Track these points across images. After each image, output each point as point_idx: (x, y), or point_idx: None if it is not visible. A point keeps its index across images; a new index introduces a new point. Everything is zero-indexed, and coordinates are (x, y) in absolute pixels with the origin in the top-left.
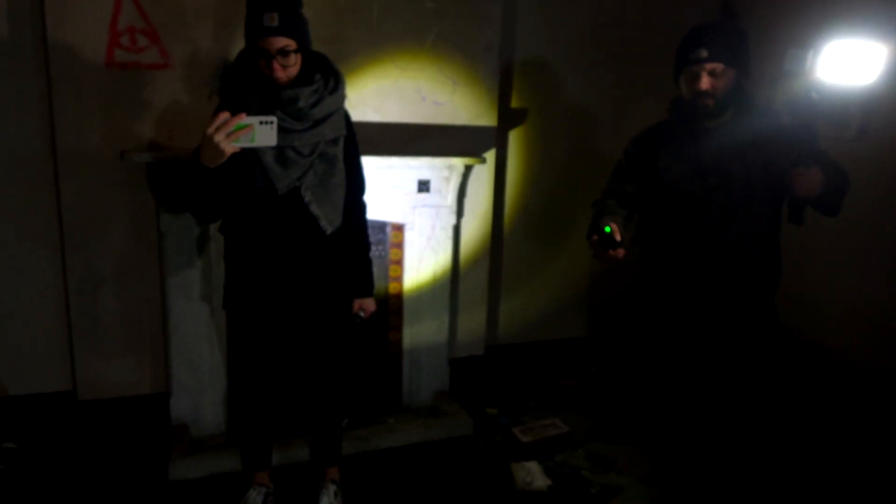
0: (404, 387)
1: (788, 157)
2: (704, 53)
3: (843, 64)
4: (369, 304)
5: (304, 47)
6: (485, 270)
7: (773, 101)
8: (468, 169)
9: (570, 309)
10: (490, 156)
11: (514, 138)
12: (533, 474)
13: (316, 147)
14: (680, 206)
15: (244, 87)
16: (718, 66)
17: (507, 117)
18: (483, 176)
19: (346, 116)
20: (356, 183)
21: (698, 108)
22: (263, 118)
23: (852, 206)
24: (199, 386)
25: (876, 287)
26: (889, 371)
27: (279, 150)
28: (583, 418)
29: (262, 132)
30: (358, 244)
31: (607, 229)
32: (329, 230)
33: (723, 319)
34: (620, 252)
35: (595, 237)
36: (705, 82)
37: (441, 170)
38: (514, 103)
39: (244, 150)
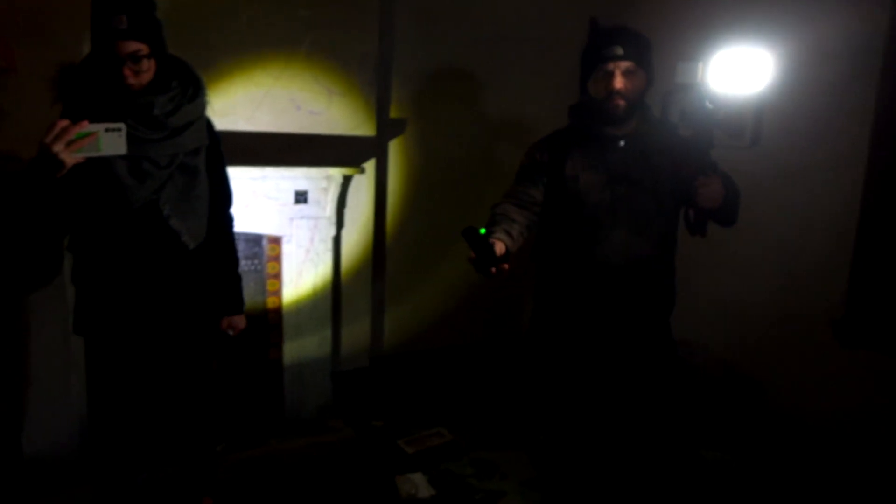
0: (286, 405)
1: (689, 167)
2: (620, 51)
3: (734, 72)
4: (239, 322)
5: (157, 52)
6: (368, 281)
7: (669, 113)
8: (347, 179)
9: (455, 317)
10: (370, 166)
11: (395, 148)
12: (417, 485)
13: (174, 158)
14: (589, 216)
15: (90, 92)
16: (632, 66)
17: (387, 127)
18: (363, 186)
19: (209, 125)
20: (221, 195)
21: (608, 110)
22: (110, 125)
23: (746, 211)
24: (55, 417)
25: (761, 288)
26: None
27: (133, 162)
28: (468, 426)
29: (108, 140)
30: (225, 259)
31: (482, 231)
32: (192, 245)
33: (629, 332)
34: (505, 267)
35: (472, 255)
36: (619, 81)
37: (319, 180)
38: (394, 113)
39: (93, 162)
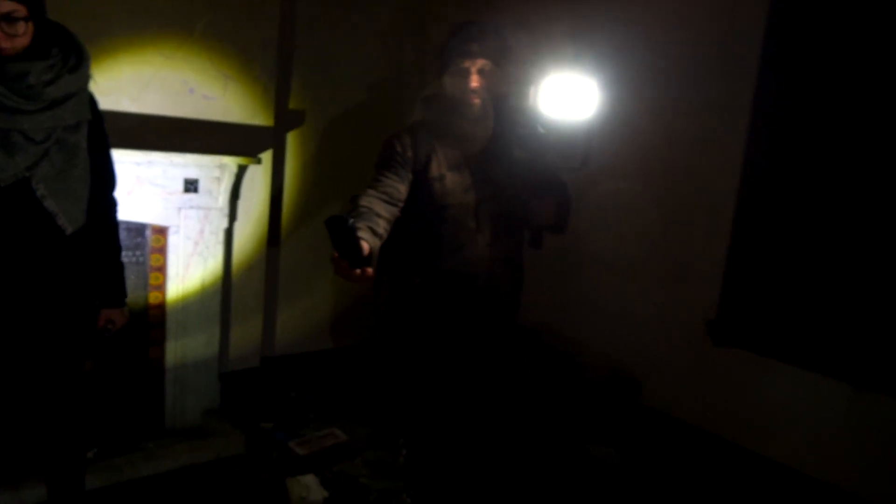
0: (167, 407)
1: (525, 188)
2: (476, 48)
3: (564, 99)
4: (119, 316)
5: (36, 16)
6: (261, 278)
7: (505, 136)
8: (242, 169)
9: (350, 316)
10: (266, 157)
11: (294, 140)
12: (309, 488)
13: (52, 133)
14: (452, 217)
15: None
16: (488, 64)
17: (286, 118)
18: (259, 178)
19: (93, 100)
20: (104, 176)
21: (463, 108)
22: None
23: (627, 219)
24: None
25: (642, 292)
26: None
27: (3, 134)
28: (362, 426)
29: None
30: (106, 246)
31: (350, 220)
32: (69, 229)
33: (488, 327)
34: (369, 271)
35: (336, 254)
36: (475, 79)
37: (211, 169)
38: (293, 104)
39: None
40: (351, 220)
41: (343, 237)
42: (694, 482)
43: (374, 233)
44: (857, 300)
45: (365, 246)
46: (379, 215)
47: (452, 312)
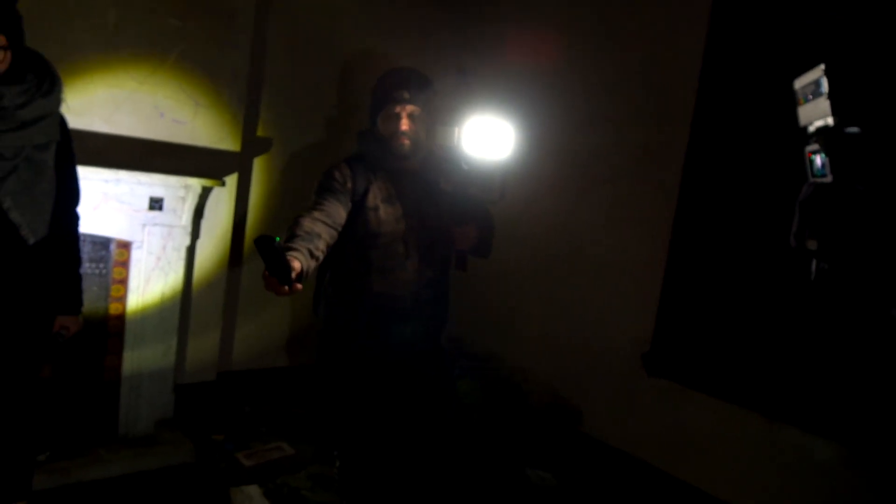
0: (121, 416)
1: (451, 216)
2: (407, 95)
3: (484, 140)
4: (73, 324)
5: (15, 44)
6: (220, 295)
7: (432, 171)
8: (207, 190)
9: (307, 336)
10: (232, 180)
11: (260, 165)
12: (251, 498)
13: (21, 150)
14: (384, 244)
15: None
16: (417, 110)
17: (253, 144)
18: (224, 199)
19: (63, 122)
20: (68, 192)
21: (394, 148)
22: None
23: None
24: None
25: (582, 325)
26: (568, 393)
27: None
28: (309, 441)
29: None
30: (66, 257)
31: (277, 238)
32: (31, 240)
33: (411, 351)
34: (298, 287)
35: (266, 272)
36: (405, 123)
37: (177, 189)
38: (261, 132)
39: None
40: (278, 240)
41: (272, 256)
42: None
43: (312, 254)
44: (772, 339)
45: (296, 265)
46: (319, 237)
47: (383, 331)
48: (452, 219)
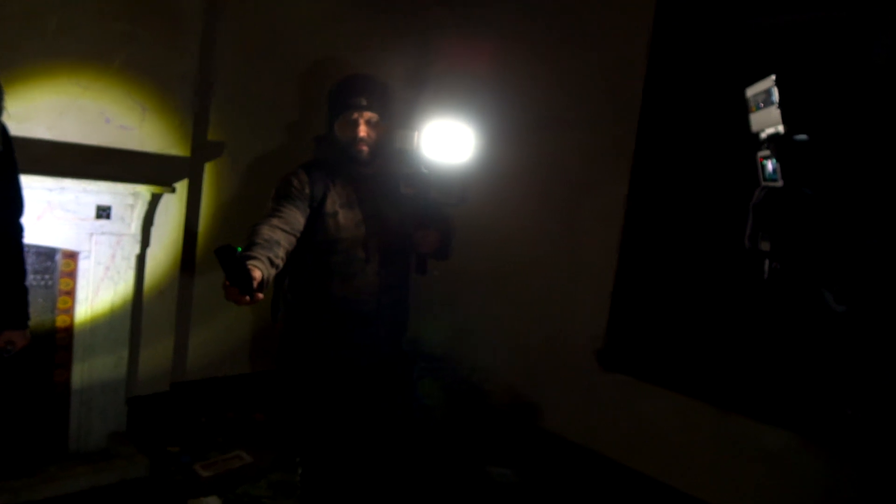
0: (72, 431)
1: (412, 220)
2: (364, 102)
3: (444, 143)
4: (20, 338)
5: None
6: (173, 303)
7: (391, 175)
8: (156, 197)
9: (263, 341)
10: (182, 186)
11: (211, 170)
12: None
13: None
14: (344, 250)
15: None
16: (375, 116)
17: (203, 149)
18: (174, 206)
19: (4, 130)
20: (11, 201)
21: (352, 153)
22: None
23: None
24: None
25: (539, 324)
26: (526, 390)
27: None
28: (269, 450)
29: None
30: (10, 270)
31: (239, 249)
32: None
33: (378, 355)
34: (259, 296)
35: (226, 282)
36: (363, 130)
37: (125, 196)
38: (212, 136)
39: None
40: (240, 250)
41: (232, 266)
42: (581, 499)
43: (272, 262)
44: (722, 333)
45: (257, 274)
46: (279, 244)
47: (345, 336)
48: (413, 223)
